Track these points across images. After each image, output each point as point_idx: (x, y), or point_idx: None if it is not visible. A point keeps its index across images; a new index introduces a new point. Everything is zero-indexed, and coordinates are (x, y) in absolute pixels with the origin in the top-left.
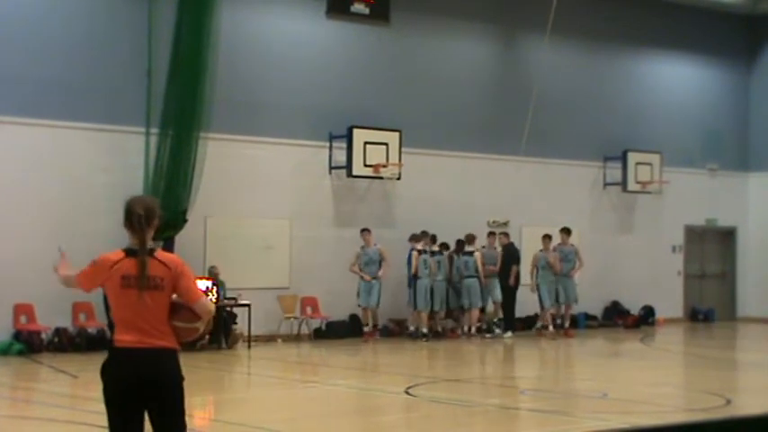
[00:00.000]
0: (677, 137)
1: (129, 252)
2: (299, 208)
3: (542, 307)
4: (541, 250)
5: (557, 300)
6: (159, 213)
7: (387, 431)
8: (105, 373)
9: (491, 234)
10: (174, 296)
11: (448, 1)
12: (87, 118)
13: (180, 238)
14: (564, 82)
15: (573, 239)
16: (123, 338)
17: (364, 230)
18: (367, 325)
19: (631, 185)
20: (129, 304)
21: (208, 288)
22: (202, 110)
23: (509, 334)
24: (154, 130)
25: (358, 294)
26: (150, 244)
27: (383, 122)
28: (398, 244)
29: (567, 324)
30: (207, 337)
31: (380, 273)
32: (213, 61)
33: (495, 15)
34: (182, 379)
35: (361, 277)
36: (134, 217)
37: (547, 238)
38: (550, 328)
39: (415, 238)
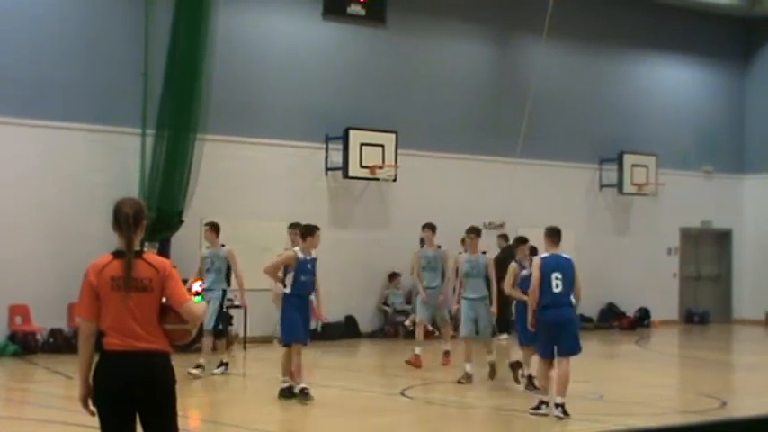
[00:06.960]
0: (673, 139)
1: (116, 254)
2: (295, 209)
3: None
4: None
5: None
6: (147, 215)
7: None
8: (96, 376)
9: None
10: (163, 299)
11: (444, 2)
12: (83, 119)
13: (176, 240)
14: (560, 84)
15: (570, 242)
16: (112, 341)
17: (298, 226)
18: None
19: (627, 187)
20: (117, 306)
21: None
22: (198, 111)
23: (504, 336)
24: (150, 131)
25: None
26: (139, 246)
27: (379, 124)
28: (394, 245)
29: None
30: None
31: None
32: (209, 62)
33: (491, 17)
34: (174, 382)
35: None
36: (122, 217)
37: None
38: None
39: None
